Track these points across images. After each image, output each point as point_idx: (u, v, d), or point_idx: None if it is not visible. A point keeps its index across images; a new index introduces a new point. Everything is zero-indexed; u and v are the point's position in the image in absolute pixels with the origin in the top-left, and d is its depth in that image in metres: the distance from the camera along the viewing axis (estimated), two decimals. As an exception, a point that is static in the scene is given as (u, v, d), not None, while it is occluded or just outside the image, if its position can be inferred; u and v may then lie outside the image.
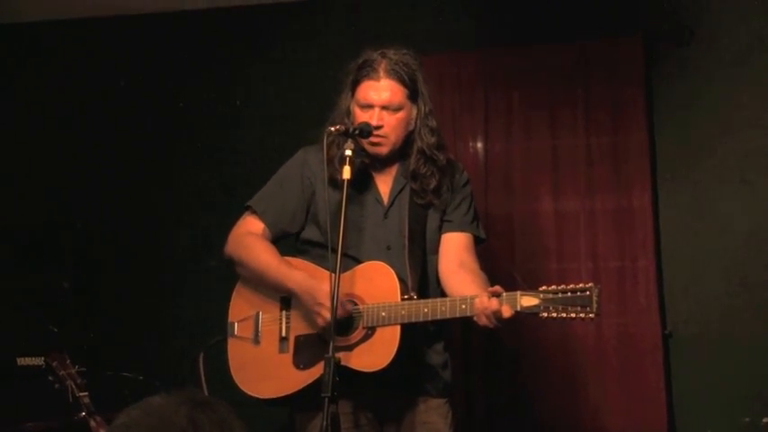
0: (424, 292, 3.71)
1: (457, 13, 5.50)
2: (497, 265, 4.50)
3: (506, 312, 3.42)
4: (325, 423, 3.21)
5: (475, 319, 3.49)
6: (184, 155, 5.78)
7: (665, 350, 5.09)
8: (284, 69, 5.69)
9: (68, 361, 4.20)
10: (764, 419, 4.95)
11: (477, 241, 3.90)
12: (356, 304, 3.62)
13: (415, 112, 3.76)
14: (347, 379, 3.40)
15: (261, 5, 5.72)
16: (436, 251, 3.81)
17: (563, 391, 5.15)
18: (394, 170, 3.83)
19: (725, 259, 5.09)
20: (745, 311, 5.04)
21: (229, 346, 3.85)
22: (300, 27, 5.67)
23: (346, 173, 3.51)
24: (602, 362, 5.13)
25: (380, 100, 3.68)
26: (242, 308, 3.86)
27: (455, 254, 3.79)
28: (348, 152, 3.54)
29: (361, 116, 3.70)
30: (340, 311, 3.48)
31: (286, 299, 3.76)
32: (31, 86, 5.91)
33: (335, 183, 3.64)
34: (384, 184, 3.82)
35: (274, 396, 3.75)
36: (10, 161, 5.84)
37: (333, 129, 3.62)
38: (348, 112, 3.75)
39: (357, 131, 3.62)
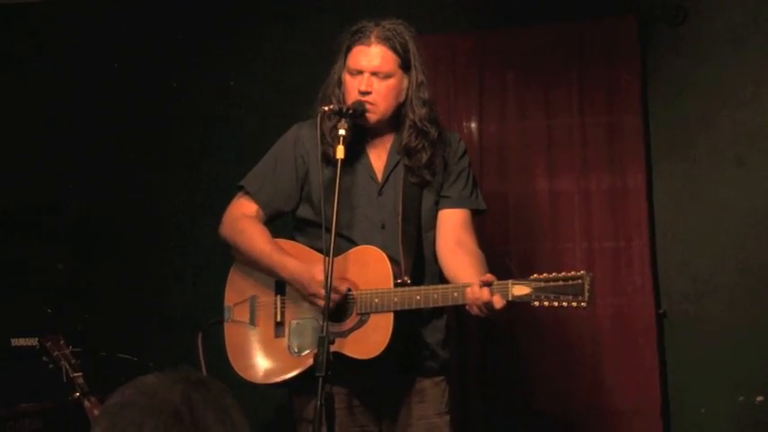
0: (419, 272, 3.70)
1: (452, -6, 5.50)
2: (492, 246, 4.50)
3: (498, 303, 3.41)
4: (319, 402, 3.21)
5: (467, 308, 3.49)
6: (178, 136, 5.76)
7: (660, 330, 5.09)
8: (278, 50, 5.67)
9: (62, 342, 4.20)
10: (758, 398, 4.96)
11: (478, 212, 3.89)
12: (350, 289, 3.62)
13: (406, 82, 3.72)
14: (342, 365, 3.41)
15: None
16: (432, 228, 3.79)
17: (557, 370, 5.15)
18: (388, 144, 3.80)
19: (719, 239, 5.09)
20: (740, 291, 5.04)
21: (226, 331, 3.85)
22: (295, 8, 5.66)
23: (340, 152, 3.49)
24: (597, 341, 5.13)
25: (370, 65, 3.65)
26: (237, 292, 3.86)
27: (452, 232, 3.77)
28: (342, 132, 3.52)
29: (351, 83, 3.68)
30: (334, 296, 3.48)
31: (281, 283, 3.76)
32: (25, 68, 5.89)
33: (329, 159, 3.61)
34: (378, 159, 3.79)
35: (271, 381, 3.76)
36: (3, 142, 5.82)
37: (326, 108, 3.60)
38: (340, 82, 3.73)
39: (351, 111, 3.60)
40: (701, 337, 5.08)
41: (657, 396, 5.03)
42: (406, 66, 3.71)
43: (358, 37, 3.69)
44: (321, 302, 3.51)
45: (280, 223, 3.94)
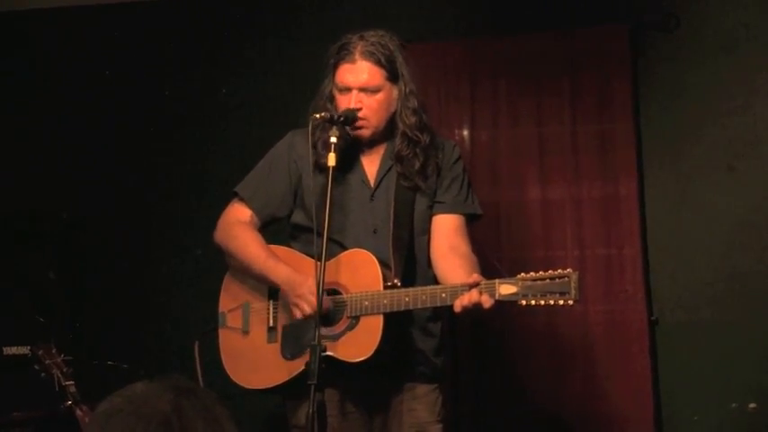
0: (411, 277, 3.71)
1: (443, 2, 5.50)
2: (483, 254, 4.50)
3: (487, 303, 3.42)
4: (311, 410, 3.22)
5: (453, 309, 3.49)
6: (171, 143, 5.76)
7: (652, 337, 5.09)
8: (269, 58, 5.67)
9: (54, 350, 4.20)
10: (751, 405, 4.96)
11: (474, 218, 3.89)
12: (339, 293, 3.62)
13: (396, 93, 3.73)
14: (334, 368, 3.41)
15: (247, -7, 5.73)
16: (425, 232, 3.80)
17: (550, 377, 5.15)
18: (381, 151, 3.81)
19: (711, 247, 5.09)
20: (732, 298, 5.04)
21: (220, 337, 3.87)
22: (285, 16, 5.66)
23: (331, 160, 3.50)
24: (589, 349, 5.14)
25: (357, 82, 3.66)
26: (231, 298, 3.88)
27: (446, 237, 3.78)
28: (333, 139, 3.53)
29: (341, 100, 3.70)
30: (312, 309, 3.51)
31: (274, 289, 3.77)
32: (16, 75, 5.89)
33: (321, 167, 3.62)
34: (371, 165, 3.80)
35: (264, 387, 3.78)
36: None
37: (318, 116, 3.61)
38: (331, 97, 3.75)
39: (342, 119, 3.61)
40: (694, 344, 5.08)
41: (650, 403, 5.03)
42: (393, 77, 3.72)
43: (343, 54, 3.70)
44: (304, 306, 3.55)
45: (276, 230, 3.94)
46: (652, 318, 5.11)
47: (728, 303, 5.05)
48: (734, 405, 5.00)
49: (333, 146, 3.52)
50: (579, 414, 5.12)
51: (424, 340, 3.78)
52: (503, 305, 3.46)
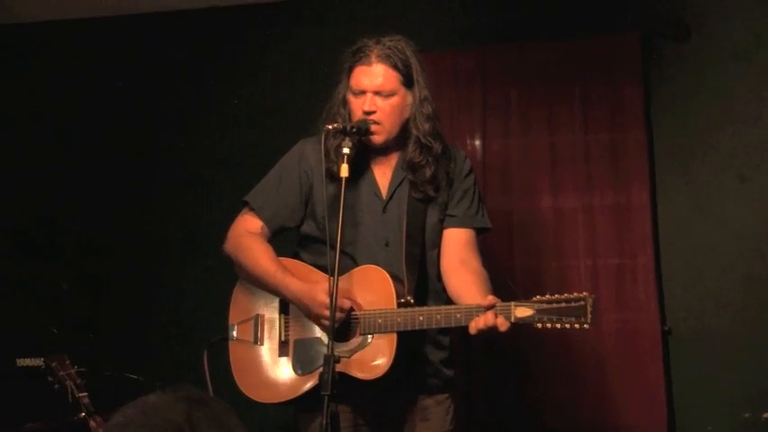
0: (422, 291, 3.69)
1: (454, 10, 5.50)
2: (496, 263, 4.49)
3: (503, 326, 3.40)
4: (324, 421, 3.20)
5: (468, 330, 3.48)
6: (182, 154, 5.77)
7: (665, 347, 5.09)
8: (282, 67, 5.69)
9: (68, 361, 4.20)
10: (765, 415, 4.95)
11: (484, 230, 3.87)
12: (353, 309, 3.60)
13: (410, 98, 3.69)
14: (346, 385, 3.39)
15: (258, 4, 5.72)
16: (436, 246, 3.77)
17: (563, 387, 5.15)
18: (393, 162, 3.78)
19: (724, 255, 5.09)
20: (744, 307, 5.04)
21: (231, 350, 3.83)
22: (298, 24, 5.68)
23: (344, 171, 3.46)
24: (602, 358, 5.13)
25: (372, 85, 3.63)
26: (241, 310, 3.84)
27: (456, 251, 3.76)
28: (346, 150, 3.49)
29: (355, 103, 3.66)
30: (338, 314, 3.47)
31: (285, 302, 3.74)
32: (28, 86, 5.91)
33: (333, 176, 3.60)
34: (383, 176, 3.77)
35: (276, 401, 3.74)
36: (7, 161, 5.83)
37: (330, 127, 3.57)
38: (344, 102, 3.72)
39: (355, 129, 3.57)
40: (707, 353, 5.07)
41: (663, 413, 5.02)
42: (408, 82, 3.69)
43: (359, 57, 3.67)
44: (325, 323, 3.51)
45: (284, 239, 3.93)
46: (665, 327, 5.10)
47: (742, 312, 5.04)
48: (747, 415, 4.98)
49: (345, 157, 3.48)
50: (592, 423, 5.11)
51: (434, 352, 3.76)
52: (516, 326, 3.45)
